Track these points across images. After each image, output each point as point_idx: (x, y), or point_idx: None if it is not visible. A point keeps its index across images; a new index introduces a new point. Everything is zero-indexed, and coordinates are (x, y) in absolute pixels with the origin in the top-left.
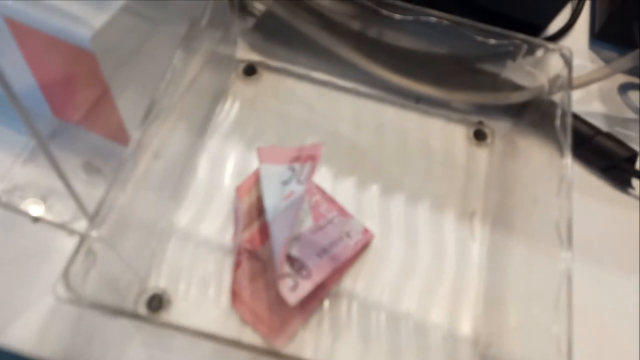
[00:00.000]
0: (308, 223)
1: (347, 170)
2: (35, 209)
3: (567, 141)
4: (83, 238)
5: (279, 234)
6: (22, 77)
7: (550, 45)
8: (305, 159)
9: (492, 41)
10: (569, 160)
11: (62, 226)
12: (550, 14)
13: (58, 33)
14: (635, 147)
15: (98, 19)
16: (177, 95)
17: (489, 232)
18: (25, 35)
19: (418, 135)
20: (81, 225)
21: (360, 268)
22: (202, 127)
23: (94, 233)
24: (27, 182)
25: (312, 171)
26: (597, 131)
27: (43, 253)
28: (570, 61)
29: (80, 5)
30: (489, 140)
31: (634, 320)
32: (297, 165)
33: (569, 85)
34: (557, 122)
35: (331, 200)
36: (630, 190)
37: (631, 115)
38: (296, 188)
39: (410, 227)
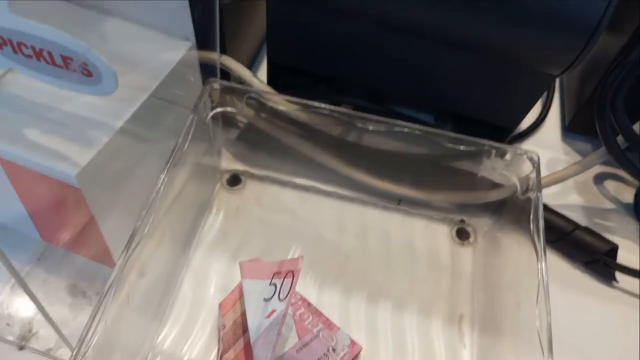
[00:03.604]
0: (292, 340)
1: (332, 277)
2: (21, 335)
3: (541, 245)
4: None
5: (263, 357)
6: (12, 206)
7: (518, 150)
8: (285, 274)
9: (462, 147)
10: (544, 264)
11: (47, 354)
12: (517, 119)
13: (46, 170)
14: (616, 238)
15: (84, 156)
16: (162, 211)
17: (477, 337)
18: (16, 171)
19: (401, 237)
20: (66, 352)
21: None
22: (186, 241)
23: None
24: (14, 309)
25: (292, 287)
26: (576, 226)
27: None
28: (538, 165)
29: (67, 142)
30: (471, 238)
31: None
32: (277, 281)
33: (538, 188)
34: (531, 225)
35: (316, 312)
36: (615, 284)
37: (608, 205)
38: (277, 306)
39: (399, 336)
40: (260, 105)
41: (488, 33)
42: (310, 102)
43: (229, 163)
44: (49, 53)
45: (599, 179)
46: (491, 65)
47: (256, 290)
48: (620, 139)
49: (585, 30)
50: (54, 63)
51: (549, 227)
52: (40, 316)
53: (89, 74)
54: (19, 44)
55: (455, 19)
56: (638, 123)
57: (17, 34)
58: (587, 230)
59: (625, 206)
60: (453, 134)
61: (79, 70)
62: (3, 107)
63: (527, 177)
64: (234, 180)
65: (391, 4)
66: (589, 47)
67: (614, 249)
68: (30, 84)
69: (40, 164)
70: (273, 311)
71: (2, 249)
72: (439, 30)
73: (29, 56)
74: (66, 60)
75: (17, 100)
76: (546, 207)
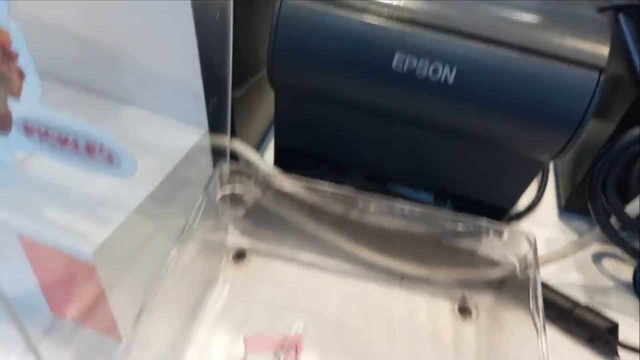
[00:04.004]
0: None
1: (334, 354)
2: None
3: (541, 321)
4: None
5: None
6: (25, 279)
7: (515, 230)
8: (288, 349)
9: (461, 226)
10: (544, 340)
11: None
12: (512, 200)
13: (63, 247)
14: (616, 315)
15: (100, 234)
16: (170, 286)
17: None
18: (33, 246)
19: (404, 313)
20: None
21: None
22: (192, 315)
23: None
24: None
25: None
26: (576, 304)
27: None
28: (535, 245)
29: (85, 220)
30: (474, 315)
31: None
32: (281, 356)
33: (536, 268)
34: (531, 303)
35: None
36: None
37: (608, 283)
38: None
39: None
40: (266, 185)
41: (482, 126)
42: (313, 184)
43: (235, 239)
44: (75, 141)
45: (598, 257)
46: (486, 152)
47: None
48: (614, 219)
49: (571, 123)
50: (78, 149)
51: (550, 305)
52: None
53: (110, 160)
54: (47, 132)
55: (451, 115)
56: (630, 203)
57: (46, 124)
58: (587, 308)
59: (624, 284)
60: (451, 215)
61: (101, 156)
62: (26, 186)
63: (525, 256)
64: (240, 255)
65: (390, 101)
66: (575, 137)
67: (615, 327)
68: (52, 166)
69: (58, 241)
70: None
71: (10, 320)
72: (436, 123)
73: (55, 143)
74: (90, 148)
75: (39, 181)
76: (546, 286)
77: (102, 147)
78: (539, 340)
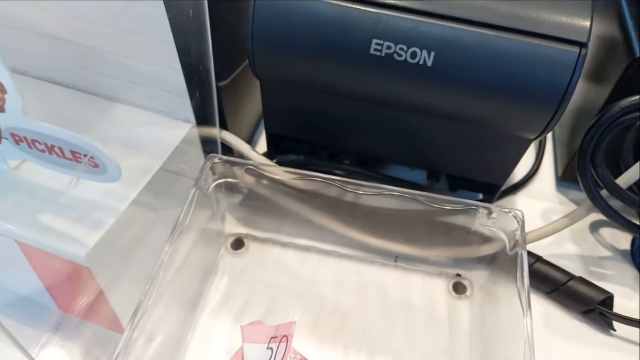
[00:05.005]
0: None
1: (332, 335)
2: None
3: (526, 301)
4: None
5: None
6: (30, 280)
7: (504, 209)
8: (280, 338)
9: (448, 207)
10: (529, 320)
11: None
12: (502, 177)
13: (57, 252)
14: (613, 286)
15: (92, 237)
16: (169, 278)
17: None
18: (32, 252)
19: (399, 292)
20: None
21: None
22: (193, 305)
23: None
24: None
25: (286, 351)
26: (570, 276)
27: None
28: (523, 223)
29: (77, 224)
30: (468, 292)
31: None
32: (274, 345)
33: (523, 247)
34: (517, 283)
35: None
36: (612, 332)
37: (605, 253)
38: None
39: None
40: (260, 174)
41: (463, 107)
42: (304, 172)
43: (232, 227)
44: (60, 148)
45: (595, 227)
46: (473, 133)
47: (255, 354)
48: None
49: (553, 100)
50: (64, 156)
51: (544, 279)
52: None
53: (96, 165)
54: (33, 141)
55: (433, 97)
56: (622, 175)
57: (31, 133)
58: (581, 280)
59: (621, 253)
60: (439, 196)
61: (86, 162)
62: (19, 192)
63: (514, 233)
64: (238, 243)
65: (371, 86)
66: (558, 114)
67: (609, 298)
68: (43, 171)
69: (52, 246)
70: None
71: (23, 319)
72: (419, 106)
73: (42, 150)
74: (75, 154)
75: (32, 186)
76: (541, 259)
77: (87, 154)
78: (524, 321)
